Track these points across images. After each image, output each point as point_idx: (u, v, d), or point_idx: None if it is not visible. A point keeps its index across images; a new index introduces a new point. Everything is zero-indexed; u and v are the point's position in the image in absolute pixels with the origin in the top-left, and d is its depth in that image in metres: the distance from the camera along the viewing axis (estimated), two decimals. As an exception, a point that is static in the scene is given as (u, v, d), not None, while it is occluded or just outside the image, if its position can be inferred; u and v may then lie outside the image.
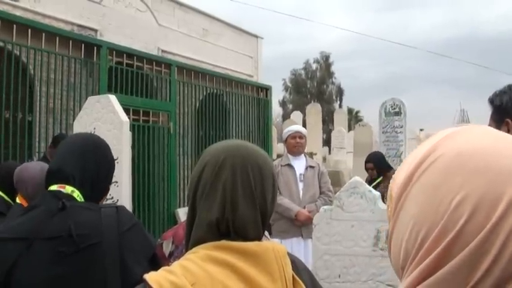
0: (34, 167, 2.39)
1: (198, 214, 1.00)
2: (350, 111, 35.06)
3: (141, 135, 6.60)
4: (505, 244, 0.45)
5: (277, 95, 37.30)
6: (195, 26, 9.38)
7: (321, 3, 79.58)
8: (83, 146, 1.56)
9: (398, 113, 8.31)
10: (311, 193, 4.41)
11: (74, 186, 1.48)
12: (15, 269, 1.31)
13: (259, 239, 1.00)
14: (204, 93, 8.29)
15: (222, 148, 1.04)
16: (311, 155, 9.44)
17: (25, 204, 2.18)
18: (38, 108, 5.68)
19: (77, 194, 1.47)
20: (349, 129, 20.21)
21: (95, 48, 6.24)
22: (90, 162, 1.53)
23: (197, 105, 8.14)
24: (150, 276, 0.91)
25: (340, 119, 20.07)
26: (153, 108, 7.11)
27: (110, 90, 6.10)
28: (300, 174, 4.44)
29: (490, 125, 1.77)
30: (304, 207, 4.29)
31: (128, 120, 3.93)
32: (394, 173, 0.59)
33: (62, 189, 1.46)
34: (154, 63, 7.21)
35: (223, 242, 0.95)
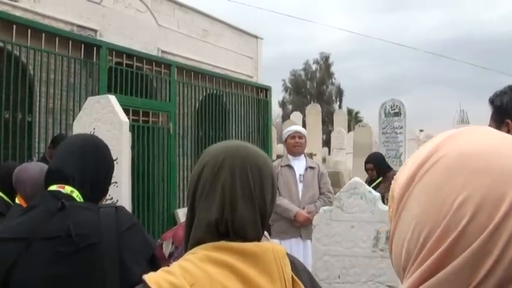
0: (33, 168, 2.39)
1: (197, 215, 1.00)
2: (350, 112, 35.07)
3: (141, 135, 6.60)
4: (507, 244, 0.45)
5: (277, 96, 37.38)
6: (195, 27, 9.38)
7: (321, 4, 79.71)
8: (82, 146, 1.56)
9: (398, 114, 8.31)
10: (310, 194, 4.40)
11: (74, 187, 1.48)
12: (14, 269, 1.31)
13: (258, 239, 0.99)
14: (204, 93, 8.29)
15: (222, 149, 1.04)
16: (311, 155, 9.43)
17: (24, 204, 2.17)
18: (37, 109, 5.68)
19: (76, 194, 1.47)
20: (349, 130, 20.22)
21: (95, 48, 6.24)
22: (90, 162, 1.53)
23: (197, 105, 8.14)
24: (149, 277, 0.91)
25: (339, 119, 20.09)
26: (153, 109, 7.11)
27: (109, 90, 6.10)
28: (300, 175, 4.43)
29: (490, 125, 1.77)
30: (304, 208, 4.29)
31: (127, 120, 3.93)
32: (394, 173, 0.59)
33: (61, 190, 1.46)
34: (154, 63, 7.21)
35: (223, 243, 0.95)
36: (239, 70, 10.32)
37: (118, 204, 3.15)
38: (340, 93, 40.82)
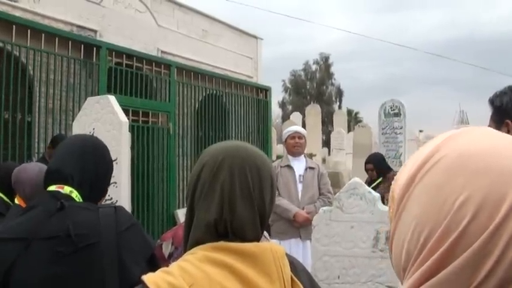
0: (32, 168, 2.38)
1: (196, 215, 1.00)
2: (349, 112, 35.07)
3: (141, 136, 6.60)
4: (508, 245, 0.45)
5: (277, 96, 37.40)
6: (195, 27, 9.38)
7: (321, 4, 79.76)
8: (82, 147, 1.56)
9: (397, 114, 8.31)
10: (310, 194, 4.40)
11: (73, 187, 1.48)
12: (13, 269, 1.30)
13: (257, 240, 0.99)
14: (204, 94, 8.29)
15: (221, 149, 1.04)
16: (310, 156, 9.43)
17: (23, 205, 2.17)
18: (37, 109, 5.68)
19: (75, 195, 1.47)
20: (349, 130, 20.23)
21: (95, 49, 6.24)
22: (89, 163, 1.53)
23: (197, 106, 8.13)
24: (147, 277, 0.91)
25: (339, 120, 20.11)
26: (153, 109, 7.10)
27: (109, 90, 6.09)
28: (300, 176, 4.43)
29: (490, 125, 1.77)
30: (303, 209, 4.29)
31: (127, 120, 3.93)
32: (394, 174, 0.59)
33: (60, 190, 1.46)
34: (153, 64, 7.21)
35: (222, 243, 0.95)
36: (239, 70, 10.32)
37: (117, 204, 3.15)
38: (340, 93, 40.84)
